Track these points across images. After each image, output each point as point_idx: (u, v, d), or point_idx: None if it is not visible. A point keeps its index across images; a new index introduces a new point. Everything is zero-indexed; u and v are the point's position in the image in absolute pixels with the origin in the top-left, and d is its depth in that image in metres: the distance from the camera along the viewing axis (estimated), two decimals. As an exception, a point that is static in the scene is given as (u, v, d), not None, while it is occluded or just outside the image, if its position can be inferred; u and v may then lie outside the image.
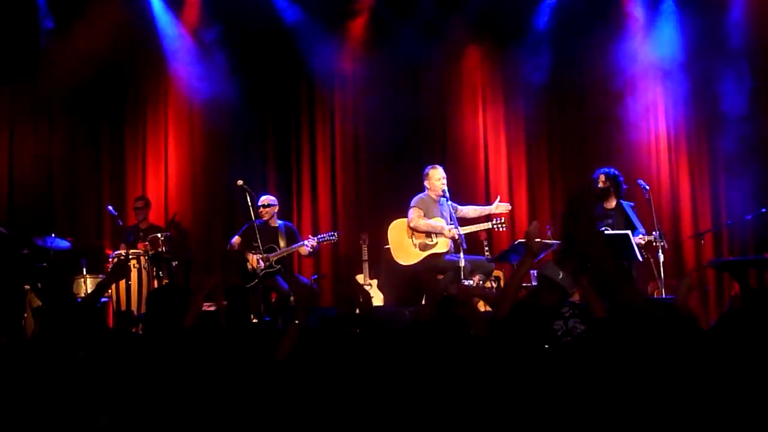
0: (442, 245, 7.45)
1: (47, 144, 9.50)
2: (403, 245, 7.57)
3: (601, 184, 7.54)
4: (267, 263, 7.75)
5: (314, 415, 2.51)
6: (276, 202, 8.20)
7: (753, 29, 8.68)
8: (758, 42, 8.66)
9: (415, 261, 7.53)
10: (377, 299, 8.11)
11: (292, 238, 8.12)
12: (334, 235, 8.15)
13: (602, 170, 7.62)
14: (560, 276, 3.47)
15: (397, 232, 7.63)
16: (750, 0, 8.72)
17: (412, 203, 7.58)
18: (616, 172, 7.58)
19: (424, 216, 7.49)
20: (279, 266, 7.83)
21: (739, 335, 2.71)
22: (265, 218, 8.04)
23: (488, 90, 9.43)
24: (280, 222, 8.17)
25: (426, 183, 7.60)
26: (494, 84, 9.40)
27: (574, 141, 9.13)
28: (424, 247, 7.49)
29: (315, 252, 8.15)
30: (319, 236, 8.16)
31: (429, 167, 7.68)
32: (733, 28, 8.71)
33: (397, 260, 7.59)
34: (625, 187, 7.58)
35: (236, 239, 8.02)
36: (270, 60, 9.54)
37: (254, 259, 7.78)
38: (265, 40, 9.52)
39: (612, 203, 7.55)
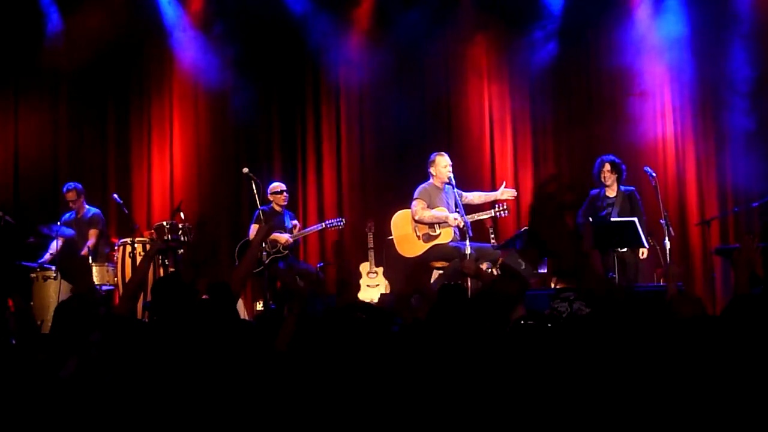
0: (445, 235, 7.39)
1: (52, 132, 9.52)
2: (407, 237, 7.53)
3: (606, 173, 7.49)
4: (275, 249, 7.74)
5: (315, 406, 2.49)
6: (284, 188, 8.24)
7: (761, 9, 8.62)
8: (764, 28, 8.61)
9: (420, 252, 7.45)
10: (383, 287, 8.11)
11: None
12: (341, 221, 8.16)
13: (606, 158, 7.56)
14: (522, 266, 3.44)
15: (400, 224, 7.57)
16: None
17: (416, 194, 7.48)
18: (619, 160, 7.55)
19: (428, 206, 7.44)
20: (286, 251, 7.83)
21: (747, 322, 2.69)
22: (281, 203, 8.06)
23: (494, 75, 9.40)
24: (286, 211, 8.19)
25: (431, 170, 7.53)
26: (500, 69, 9.37)
27: (580, 126, 9.09)
28: (427, 239, 7.45)
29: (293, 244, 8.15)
30: (327, 222, 8.19)
31: (435, 154, 7.61)
32: (742, 8, 8.66)
33: (401, 253, 7.53)
34: (625, 175, 7.56)
35: (254, 227, 7.96)
36: (275, 47, 9.51)
37: (283, 238, 7.78)
38: (269, 27, 9.49)
39: (614, 191, 7.52)
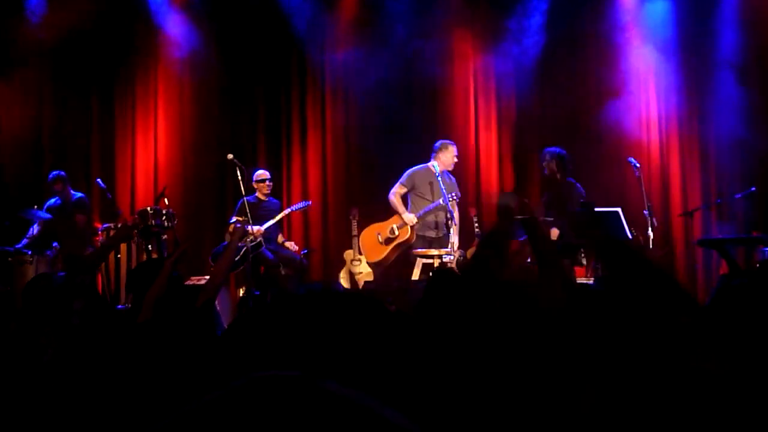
0: (403, 234, 7.70)
1: (36, 117, 9.44)
2: (373, 246, 7.89)
3: (545, 163, 7.45)
4: (254, 243, 7.69)
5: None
6: (270, 177, 8.20)
7: (746, 6, 8.65)
8: (751, 18, 8.64)
9: (383, 255, 7.79)
10: (367, 275, 8.11)
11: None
12: (308, 202, 8.35)
13: (547, 149, 7.52)
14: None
15: (364, 238, 8.00)
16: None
17: (401, 178, 7.71)
18: (559, 151, 7.42)
19: (412, 190, 7.57)
20: (260, 239, 7.76)
21: (731, 313, 2.69)
22: (265, 191, 8.03)
23: (480, 64, 9.39)
24: (272, 199, 8.17)
25: (438, 155, 7.67)
26: (486, 59, 9.35)
27: (564, 119, 9.10)
28: (387, 241, 7.76)
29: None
30: (292, 206, 8.19)
31: (448, 142, 7.81)
32: (726, 6, 8.69)
33: (368, 260, 7.94)
34: (570, 167, 7.41)
35: (235, 219, 7.93)
36: (261, 32, 9.46)
37: (255, 230, 7.72)
38: (255, 12, 9.43)
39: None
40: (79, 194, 8.48)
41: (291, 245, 8.11)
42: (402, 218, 7.63)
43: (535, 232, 1.35)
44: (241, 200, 7.65)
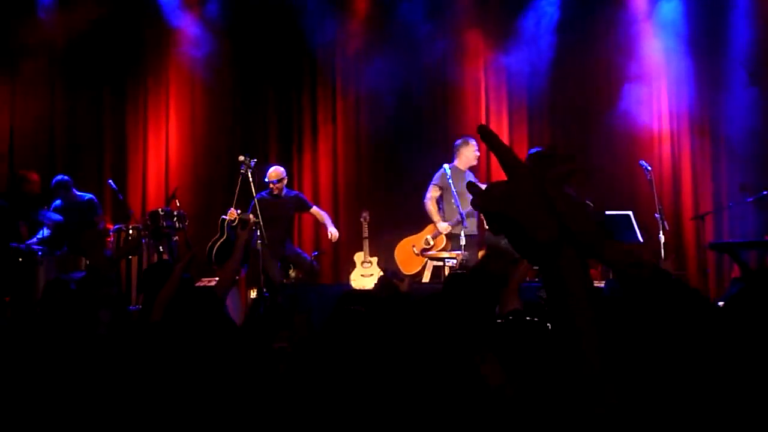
0: (438, 243, 7.76)
1: (48, 117, 9.47)
2: (408, 258, 7.94)
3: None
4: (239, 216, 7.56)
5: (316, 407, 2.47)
6: (285, 174, 8.11)
7: (757, 7, 8.61)
8: (762, 21, 8.59)
9: (420, 267, 7.88)
10: (377, 277, 8.11)
11: (302, 206, 8.16)
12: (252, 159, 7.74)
13: (528, 152, 7.32)
14: (503, 242, 3.36)
15: (400, 251, 8.04)
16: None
17: (434, 179, 7.71)
18: (536, 152, 7.20)
19: (447, 189, 7.55)
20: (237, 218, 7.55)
21: (742, 317, 2.66)
22: (275, 193, 7.97)
23: (491, 63, 9.38)
24: (286, 191, 8.12)
25: (459, 153, 7.72)
26: (497, 57, 9.33)
27: (576, 121, 9.08)
28: (424, 252, 7.83)
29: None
30: (247, 158, 7.71)
31: (469, 138, 7.81)
32: (737, 7, 8.65)
33: (405, 272, 7.85)
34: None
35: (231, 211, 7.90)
36: (273, 33, 9.47)
37: (231, 212, 7.68)
38: (267, 13, 9.44)
39: None
40: (89, 195, 8.44)
41: (334, 234, 8.10)
42: (436, 227, 7.71)
43: (493, 143, 1.12)
44: (253, 201, 7.64)
